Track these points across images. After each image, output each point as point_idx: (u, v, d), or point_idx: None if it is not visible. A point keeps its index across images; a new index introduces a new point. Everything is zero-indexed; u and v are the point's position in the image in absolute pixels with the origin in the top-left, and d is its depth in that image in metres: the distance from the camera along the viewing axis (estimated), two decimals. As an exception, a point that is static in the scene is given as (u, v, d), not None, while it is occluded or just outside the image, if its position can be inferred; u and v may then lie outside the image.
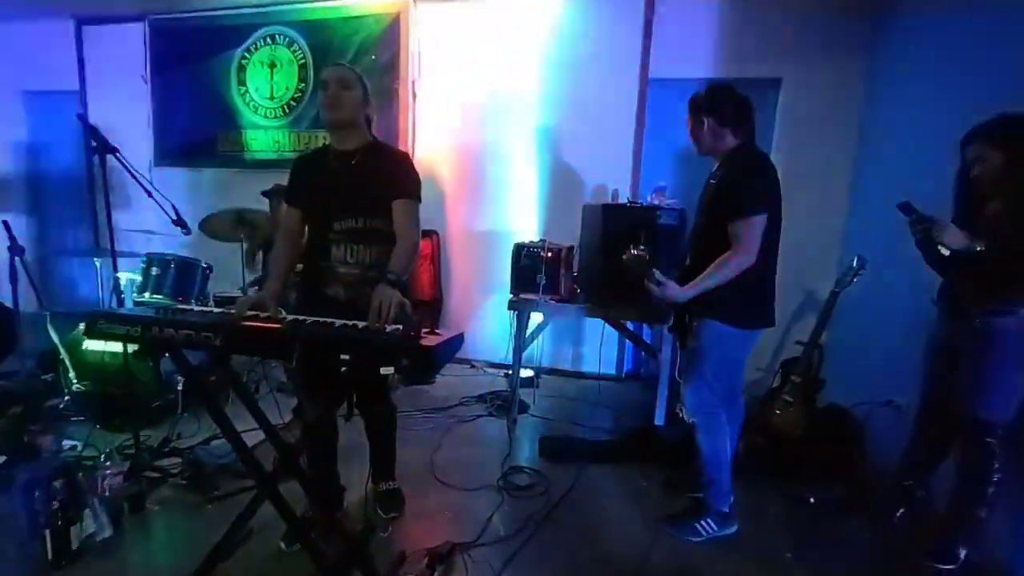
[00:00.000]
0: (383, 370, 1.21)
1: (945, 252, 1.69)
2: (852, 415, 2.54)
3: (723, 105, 1.78)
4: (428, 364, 1.22)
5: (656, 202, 2.78)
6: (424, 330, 1.34)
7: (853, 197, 3.20)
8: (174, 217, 2.47)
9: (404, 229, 1.68)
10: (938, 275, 1.89)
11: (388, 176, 1.69)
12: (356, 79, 1.69)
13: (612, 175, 3.52)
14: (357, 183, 1.68)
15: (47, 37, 4.43)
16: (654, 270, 1.80)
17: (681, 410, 1.94)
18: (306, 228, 1.82)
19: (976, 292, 1.70)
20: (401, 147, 3.76)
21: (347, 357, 1.22)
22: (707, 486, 1.93)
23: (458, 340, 1.43)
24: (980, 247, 1.59)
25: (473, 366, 3.81)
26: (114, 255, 2.04)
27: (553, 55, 3.53)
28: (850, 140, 3.15)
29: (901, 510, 2.04)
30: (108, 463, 1.89)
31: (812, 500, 2.20)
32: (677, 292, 1.78)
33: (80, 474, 1.80)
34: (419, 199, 1.74)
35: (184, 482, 2.15)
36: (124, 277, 2.71)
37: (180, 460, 2.28)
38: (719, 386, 1.86)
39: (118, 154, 2.01)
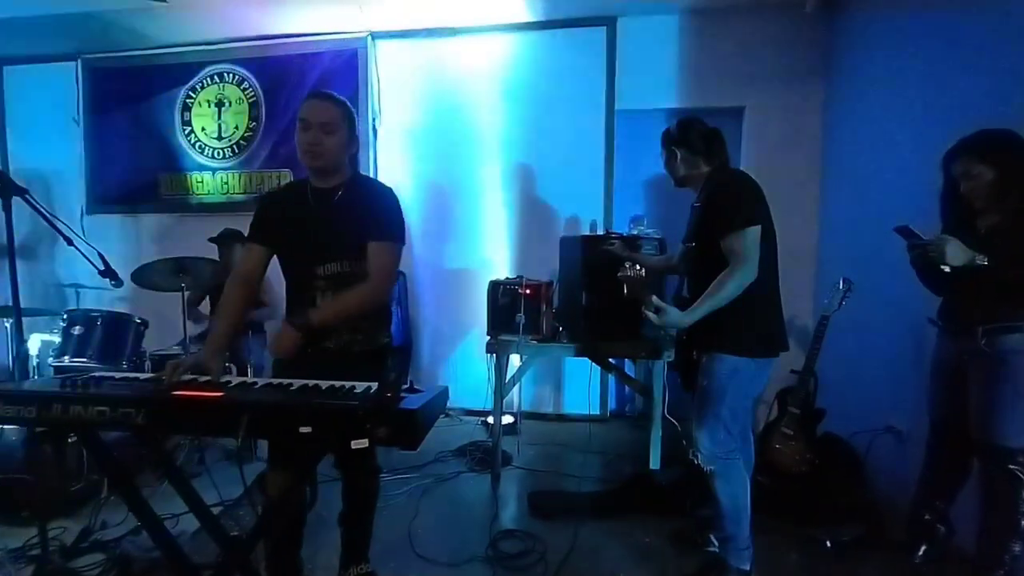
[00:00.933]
0: (355, 443, 0.98)
1: (946, 269, 1.62)
2: (853, 445, 2.43)
3: (691, 135, 1.80)
4: (412, 431, 0.99)
5: (635, 232, 2.69)
6: (403, 387, 1.12)
7: (823, 218, 3.22)
8: (101, 267, 2.15)
9: (376, 272, 1.48)
10: (934, 294, 1.83)
11: (374, 214, 1.51)
12: (341, 118, 1.49)
13: (584, 207, 3.44)
14: (339, 224, 1.49)
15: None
16: (652, 296, 1.65)
17: (696, 456, 1.75)
18: (262, 270, 1.60)
19: (980, 307, 1.64)
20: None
21: (308, 429, 0.99)
22: (725, 541, 1.74)
23: (443, 396, 1.22)
24: (984, 260, 1.53)
25: (448, 414, 3.53)
26: (19, 313, 1.71)
27: (518, 89, 3.49)
28: (815, 163, 3.21)
29: (923, 547, 1.90)
30: (0, 576, 1.51)
31: (828, 543, 2.03)
32: (679, 318, 1.63)
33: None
34: (400, 240, 1.56)
35: (106, 586, 1.77)
36: (38, 339, 2.33)
37: (103, 557, 1.89)
38: (736, 427, 1.70)
39: (28, 196, 1.72)
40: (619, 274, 1.72)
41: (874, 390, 2.58)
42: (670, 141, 1.83)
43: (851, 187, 2.91)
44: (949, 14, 2.21)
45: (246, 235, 1.60)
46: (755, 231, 1.59)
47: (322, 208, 1.51)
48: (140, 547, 1.93)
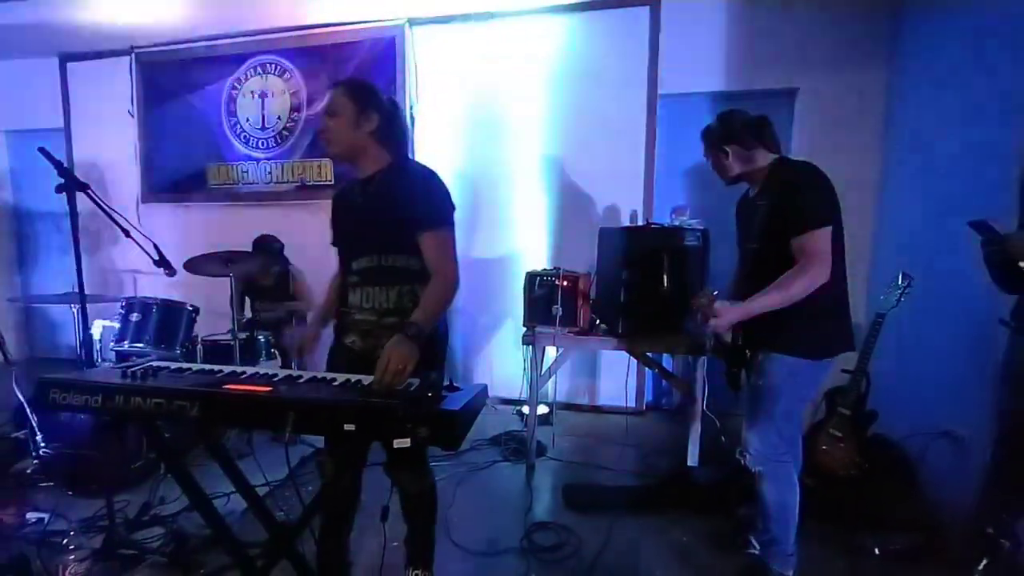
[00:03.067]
0: (396, 443, 0.99)
1: (1025, 267, 1.50)
2: (906, 449, 2.31)
3: (738, 129, 1.66)
4: (452, 431, 1.00)
5: (677, 223, 2.60)
6: (443, 384, 1.12)
7: (880, 209, 3.03)
8: (156, 258, 2.25)
9: (435, 264, 1.44)
10: (1008, 293, 1.69)
11: (408, 203, 1.43)
12: (344, 99, 1.45)
13: (624, 196, 3.36)
14: (369, 216, 1.47)
15: (30, 76, 4.29)
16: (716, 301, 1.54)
17: (744, 457, 1.71)
18: None
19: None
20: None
21: (352, 427, 1.01)
22: (769, 545, 1.69)
23: (482, 395, 1.22)
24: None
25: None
26: (83, 302, 1.81)
27: (556, 74, 3.40)
28: (874, 150, 3.00)
29: (984, 562, 1.79)
30: (72, 545, 1.63)
31: (877, 551, 1.95)
32: (730, 316, 1.52)
33: (38, 561, 1.54)
34: (451, 224, 1.48)
35: (165, 559, 1.88)
36: (100, 325, 2.48)
37: (162, 531, 2.02)
38: (789, 430, 1.65)
39: (90, 191, 1.81)
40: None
41: (932, 393, 2.43)
42: (718, 139, 1.68)
43: (914, 177, 2.71)
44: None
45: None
46: (827, 232, 1.51)
47: (361, 201, 1.50)
48: (195, 524, 2.05)
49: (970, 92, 2.30)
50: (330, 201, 1.69)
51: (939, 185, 2.48)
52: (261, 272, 2.98)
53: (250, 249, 3.11)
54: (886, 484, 2.18)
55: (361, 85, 1.50)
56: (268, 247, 3.07)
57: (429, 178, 1.49)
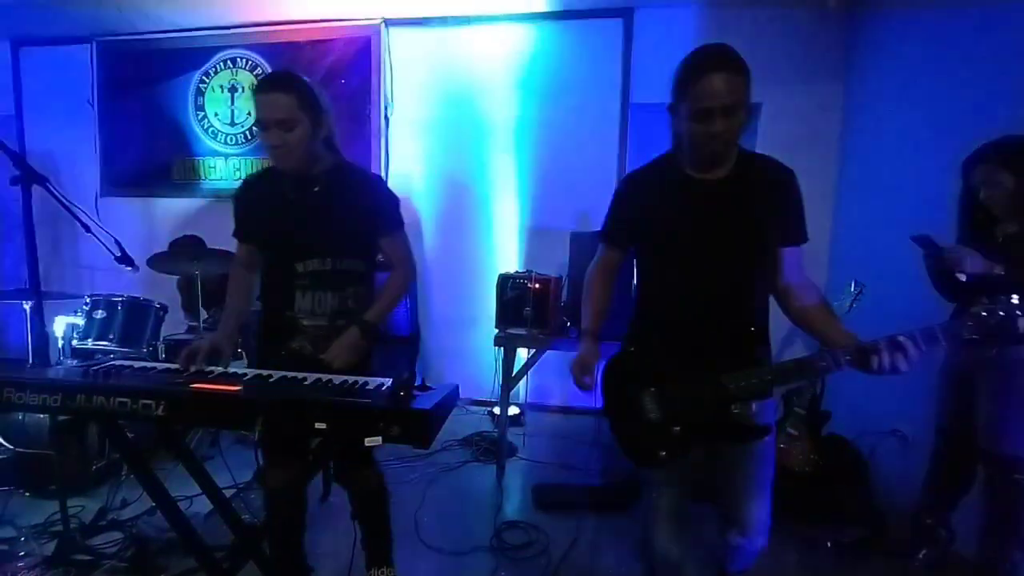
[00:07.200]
0: (368, 441, 1.00)
1: (962, 277, 1.62)
2: (858, 447, 2.44)
3: None
4: (424, 430, 1.01)
5: (646, 228, 2.67)
6: (415, 383, 1.14)
7: (836, 220, 3.19)
8: (118, 254, 2.18)
9: (398, 263, 1.55)
10: (948, 301, 1.82)
11: (363, 209, 1.45)
12: (297, 107, 1.31)
13: (596, 202, 3.40)
14: (322, 217, 1.41)
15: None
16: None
17: (742, 535, 1.36)
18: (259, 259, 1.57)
19: (992, 319, 1.63)
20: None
21: (323, 426, 1.01)
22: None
23: (453, 394, 1.24)
24: (1000, 271, 1.52)
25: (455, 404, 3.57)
26: (38, 299, 1.74)
27: (531, 80, 3.45)
28: (830, 163, 3.16)
29: (924, 551, 1.92)
30: (23, 552, 1.56)
31: (829, 543, 2.05)
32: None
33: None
34: (403, 224, 1.56)
35: (124, 564, 1.82)
36: (63, 322, 2.38)
37: (120, 536, 1.96)
38: None
39: (48, 184, 1.74)
40: None
41: (881, 394, 2.57)
42: (748, 76, 1.20)
43: (867, 190, 2.88)
44: (973, 17, 2.16)
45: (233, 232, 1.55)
46: None
47: (302, 200, 1.42)
48: (155, 527, 1.99)
49: (919, 110, 2.46)
50: None
51: (890, 198, 2.64)
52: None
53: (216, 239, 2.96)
54: (838, 480, 2.30)
55: (310, 88, 1.36)
56: (192, 246, 2.91)
57: (379, 182, 1.56)
